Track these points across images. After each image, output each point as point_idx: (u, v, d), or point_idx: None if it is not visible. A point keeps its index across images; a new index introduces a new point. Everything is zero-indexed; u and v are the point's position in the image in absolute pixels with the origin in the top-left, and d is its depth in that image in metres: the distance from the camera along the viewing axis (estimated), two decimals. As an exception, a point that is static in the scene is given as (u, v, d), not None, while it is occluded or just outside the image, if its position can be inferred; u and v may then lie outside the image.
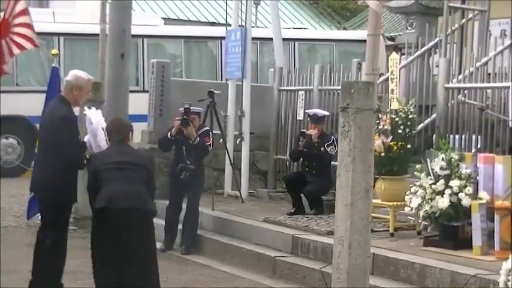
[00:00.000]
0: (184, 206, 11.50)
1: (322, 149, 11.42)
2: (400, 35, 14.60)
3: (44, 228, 8.75)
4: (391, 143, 10.01)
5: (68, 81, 8.84)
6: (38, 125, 13.09)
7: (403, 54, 12.91)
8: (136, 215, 7.27)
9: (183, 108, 11.31)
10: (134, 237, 7.20)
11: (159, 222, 11.28)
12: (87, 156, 8.45)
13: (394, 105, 10.52)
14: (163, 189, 11.44)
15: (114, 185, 7.34)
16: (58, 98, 9.12)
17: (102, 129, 8.32)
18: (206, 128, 11.74)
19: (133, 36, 13.98)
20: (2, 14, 13.90)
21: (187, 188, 11.34)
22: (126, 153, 7.71)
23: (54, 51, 14.58)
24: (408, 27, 13.88)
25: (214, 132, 12.45)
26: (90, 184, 7.63)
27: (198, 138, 11.35)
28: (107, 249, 7.26)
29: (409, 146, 10.23)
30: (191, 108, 11.41)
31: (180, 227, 11.51)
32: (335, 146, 11.12)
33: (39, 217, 12.55)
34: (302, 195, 11.46)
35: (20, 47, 13.33)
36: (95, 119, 8.58)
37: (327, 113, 11.94)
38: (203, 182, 11.88)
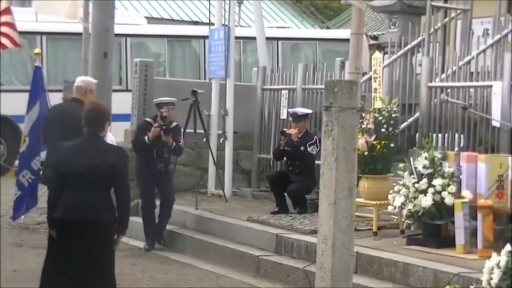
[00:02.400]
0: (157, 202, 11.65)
1: (302, 148, 11.42)
2: (383, 34, 14.65)
3: None
4: (375, 142, 10.04)
5: (78, 87, 9.92)
6: (21, 125, 13.15)
7: (386, 53, 12.95)
8: (88, 227, 6.73)
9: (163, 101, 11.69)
10: (85, 249, 6.71)
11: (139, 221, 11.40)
12: None
13: (377, 104, 10.55)
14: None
15: (72, 194, 6.81)
16: (72, 100, 10.08)
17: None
18: (176, 124, 11.79)
19: (117, 35, 13.98)
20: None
21: (158, 182, 11.48)
22: (95, 151, 6.97)
23: (37, 50, 14.55)
24: (391, 26, 13.91)
25: (198, 131, 12.49)
26: (54, 184, 7.15)
27: (174, 143, 11.49)
28: (58, 257, 6.92)
29: (392, 145, 10.25)
30: (169, 100, 11.78)
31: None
32: (317, 146, 11.14)
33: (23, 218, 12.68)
34: (286, 194, 11.47)
35: (2, 45, 13.31)
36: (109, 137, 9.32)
37: (308, 111, 11.93)
38: (172, 174, 12.12)
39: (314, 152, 11.32)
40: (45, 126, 10.72)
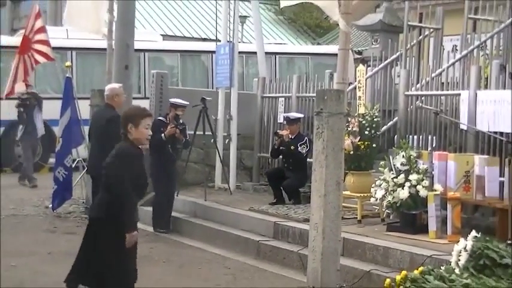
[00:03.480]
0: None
1: (292, 147, 11.43)
2: (366, 49, 14.65)
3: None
4: (359, 143, 10.04)
5: (106, 94, 10.50)
6: (55, 128, 13.19)
7: (369, 66, 12.94)
8: (90, 224, 6.29)
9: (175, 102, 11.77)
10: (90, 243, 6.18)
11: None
12: None
13: (361, 110, 10.55)
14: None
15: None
16: (105, 105, 10.61)
17: None
18: (182, 123, 11.78)
19: (136, 50, 13.97)
20: (23, 31, 13.91)
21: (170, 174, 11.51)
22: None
23: (68, 63, 14.58)
24: (373, 43, 13.90)
25: (206, 133, 12.50)
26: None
27: (184, 139, 11.64)
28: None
29: (374, 145, 10.26)
30: (181, 102, 11.78)
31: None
32: (307, 146, 11.17)
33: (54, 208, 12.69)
34: (282, 188, 11.48)
35: (37, 61, 13.34)
36: None
37: (299, 116, 11.93)
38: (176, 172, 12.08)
39: (303, 151, 11.33)
40: (89, 127, 10.98)
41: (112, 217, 5.92)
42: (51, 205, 12.72)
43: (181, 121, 11.67)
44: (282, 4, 10.21)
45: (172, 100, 11.86)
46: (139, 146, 6.02)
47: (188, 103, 11.90)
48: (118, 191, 5.81)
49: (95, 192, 9.94)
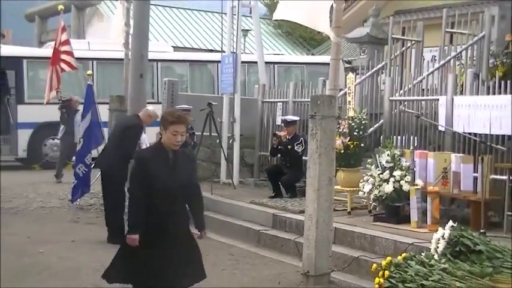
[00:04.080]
0: None
1: (289, 147, 11.44)
2: (355, 59, 14.66)
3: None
4: (349, 143, 10.06)
5: (143, 110, 10.22)
6: (78, 129, 13.20)
7: (358, 74, 12.94)
8: None
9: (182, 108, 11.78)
10: None
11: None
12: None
13: (351, 113, 10.56)
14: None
15: None
16: (135, 115, 10.23)
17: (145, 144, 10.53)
18: (190, 126, 11.82)
19: (150, 60, 13.92)
20: (50, 43, 13.94)
21: None
22: None
23: (89, 72, 14.60)
24: (361, 54, 13.91)
25: (212, 134, 12.52)
26: None
27: (192, 142, 11.79)
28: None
29: (362, 144, 10.28)
30: (186, 107, 11.86)
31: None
32: (302, 145, 11.17)
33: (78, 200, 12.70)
34: (280, 183, 11.49)
35: (63, 69, 13.36)
36: (143, 138, 10.59)
37: (295, 118, 11.94)
38: None
39: (299, 150, 11.34)
40: (114, 127, 10.98)
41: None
42: (71, 197, 12.74)
43: (190, 126, 11.70)
44: (275, 17, 10.14)
45: (178, 106, 11.93)
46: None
47: (191, 107, 11.97)
48: (129, 191, 5.40)
49: (103, 185, 10.03)
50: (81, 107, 13.76)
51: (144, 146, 10.45)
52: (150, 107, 10.59)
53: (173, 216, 5.24)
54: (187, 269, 5.40)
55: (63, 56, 13.23)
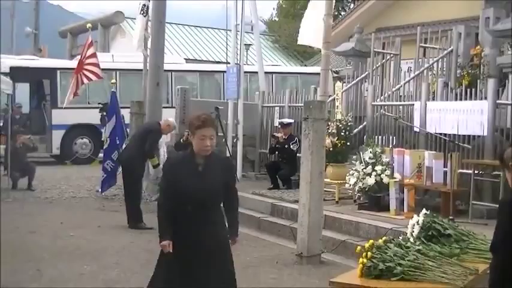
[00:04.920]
0: None
1: (285, 145, 11.47)
2: (342, 69, 14.68)
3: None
4: (337, 141, 10.07)
5: (164, 120, 10.36)
6: (104, 130, 13.22)
7: (344, 82, 12.98)
8: None
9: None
10: None
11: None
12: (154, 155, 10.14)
13: (338, 116, 10.58)
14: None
15: None
16: (157, 122, 10.34)
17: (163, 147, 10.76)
18: None
19: (165, 70, 14.00)
20: (79, 56, 13.94)
21: None
22: None
23: (113, 81, 14.61)
24: (347, 65, 13.96)
25: (219, 134, 12.50)
26: None
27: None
28: None
29: (348, 143, 10.29)
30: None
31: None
32: (297, 144, 11.18)
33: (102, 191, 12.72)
34: (277, 176, 11.50)
35: (90, 79, 13.38)
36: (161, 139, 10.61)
37: (291, 121, 11.98)
38: None
39: (294, 148, 11.36)
40: (137, 129, 10.99)
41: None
42: (100, 189, 12.77)
43: None
44: (299, 42, 10.27)
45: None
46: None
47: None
48: (158, 200, 4.56)
49: (124, 180, 10.08)
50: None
51: (161, 149, 10.58)
52: (170, 119, 10.69)
53: (205, 226, 4.31)
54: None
55: (91, 67, 13.23)
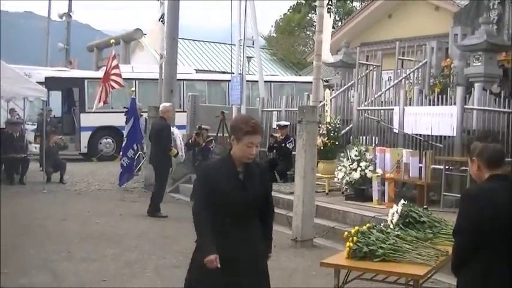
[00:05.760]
0: None
1: (282, 144, 11.47)
2: (331, 79, 14.67)
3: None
4: (327, 141, 10.08)
5: (160, 110, 10.16)
6: (124, 131, 13.22)
7: (333, 90, 12.98)
8: None
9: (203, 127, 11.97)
10: None
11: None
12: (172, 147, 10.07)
13: (328, 119, 10.59)
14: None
15: None
16: (159, 117, 10.18)
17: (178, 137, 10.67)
18: (211, 138, 12.05)
19: (178, 80, 14.03)
20: (104, 68, 13.94)
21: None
22: None
23: (132, 89, 14.62)
24: (336, 74, 13.93)
25: (225, 135, 12.52)
26: None
27: (203, 144, 11.84)
28: None
29: (337, 143, 10.30)
30: (202, 126, 12.04)
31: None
32: (292, 143, 11.17)
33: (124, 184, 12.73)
34: (275, 171, 11.50)
35: (113, 87, 13.39)
36: (175, 132, 10.57)
37: (287, 123, 11.97)
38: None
39: (290, 147, 11.35)
40: (150, 132, 10.83)
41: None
42: (118, 182, 12.80)
43: (211, 137, 12.14)
44: (323, 60, 10.18)
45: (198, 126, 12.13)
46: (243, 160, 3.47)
47: (209, 127, 12.25)
48: (193, 209, 3.51)
49: (155, 178, 10.12)
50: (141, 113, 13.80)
51: (178, 139, 10.66)
52: (164, 104, 10.67)
53: (245, 239, 3.44)
54: None
55: (114, 77, 13.24)
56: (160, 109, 10.40)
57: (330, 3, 8.56)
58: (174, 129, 10.70)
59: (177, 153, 10.48)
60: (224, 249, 3.32)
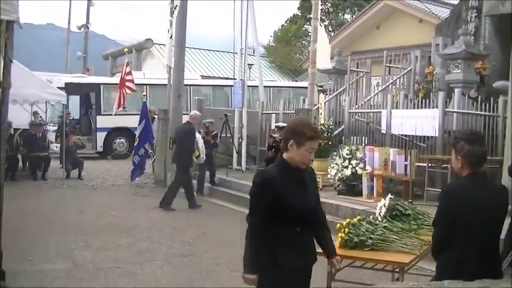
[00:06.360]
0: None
1: (280, 144, 11.41)
2: (325, 84, 14.68)
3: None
4: (320, 141, 10.06)
5: (190, 115, 10.41)
6: (136, 132, 13.22)
7: (326, 94, 12.98)
8: None
9: (206, 121, 11.75)
10: None
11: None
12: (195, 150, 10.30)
13: (322, 121, 10.59)
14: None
15: None
16: (187, 122, 10.37)
17: (200, 141, 10.66)
18: (215, 132, 11.96)
19: (185, 85, 14.00)
20: (119, 74, 13.93)
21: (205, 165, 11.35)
22: None
23: (144, 93, 14.62)
24: (329, 80, 13.94)
25: (227, 135, 12.55)
26: None
27: (212, 140, 11.74)
28: None
29: (330, 142, 10.31)
30: (210, 121, 11.89)
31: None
32: (290, 142, 11.16)
33: (137, 180, 12.74)
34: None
35: (127, 92, 13.39)
36: (197, 136, 10.48)
37: (284, 124, 11.92)
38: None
39: (288, 146, 11.34)
40: (175, 134, 10.83)
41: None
42: (130, 178, 12.80)
43: (215, 132, 11.91)
44: (320, 67, 9.96)
45: (204, 121, 11.96)
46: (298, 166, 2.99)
47: (213, 120, 12.08)
48: (249, 221, 2.99)
49: (179, 176, 10.13)
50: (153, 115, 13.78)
51: (200, 142, 10.69)
52: (193, 111, 10.86)
53: (309, 245, 3.06)
54: None
55: (127, 83, 13.26)
56: (190, 115, 10.54)
57: (324, 15, 8.57)
58: (196, 134, 10.74)
59: (199, 154, 10.58)
60: (295, 259, 2.89)
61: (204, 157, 11.01)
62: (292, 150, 2.97)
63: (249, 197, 2.95)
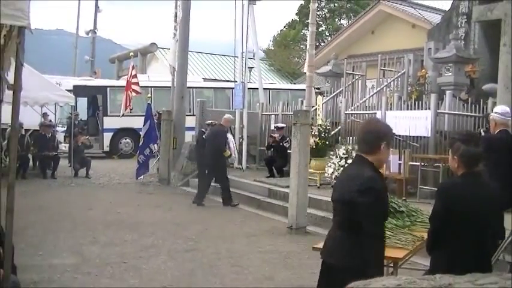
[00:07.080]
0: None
1: (280, 144, 11.46)
2: (322, 86, 14.67)
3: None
4: (318, 141, 10.09)
5: (223, 118, 10.33)
6: (141, 132, 13.19)
7: (324, 96, 12.98)
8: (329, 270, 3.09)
9: (209, 122, 11.58)
10: None
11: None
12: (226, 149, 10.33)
13: (319, 122, 10.60)
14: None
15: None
16: (219, 124, 10.41)
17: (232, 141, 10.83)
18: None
19: (188, 87, 13.99)
20: (125, 77, 13.93)
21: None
22: (346, 175, 3.19)
23: (148, 95, 14.61)
24: (326, 83, 13.94)
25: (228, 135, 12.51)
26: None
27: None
28: None
29: (327, 142, 10.32)
30: (212, 121, 11.70)
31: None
32: (288, 142, 11.15)
33: (142, 177, 12.73)
34: (273, 167, 11.49)
35: (131, 95, 13.39)
36: (229, 137, 10.63)
37: (283, 125, 11.95)
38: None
39: (286, 146, 11.33)
40: (207, 136, 10.69)
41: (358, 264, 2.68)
42: (135, 176, 12.81)
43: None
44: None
45: (207, 122, 11.88)
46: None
47: (216, 121, 11.97)
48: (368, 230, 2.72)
49: (199, 176, 10.28)
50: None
51: (231, 143, 10.79)
52: (226, 115, 10.83)
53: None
54: None
55: (133, 86, 13.26)
56: (223, 118, 10.60)
57: (322, 21, 8.57)
58: (228, 135, 10.81)
59: (230, 154, 10.67)
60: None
61: (236, 157, 11.07)
62: (384, 151, 2.80)
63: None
